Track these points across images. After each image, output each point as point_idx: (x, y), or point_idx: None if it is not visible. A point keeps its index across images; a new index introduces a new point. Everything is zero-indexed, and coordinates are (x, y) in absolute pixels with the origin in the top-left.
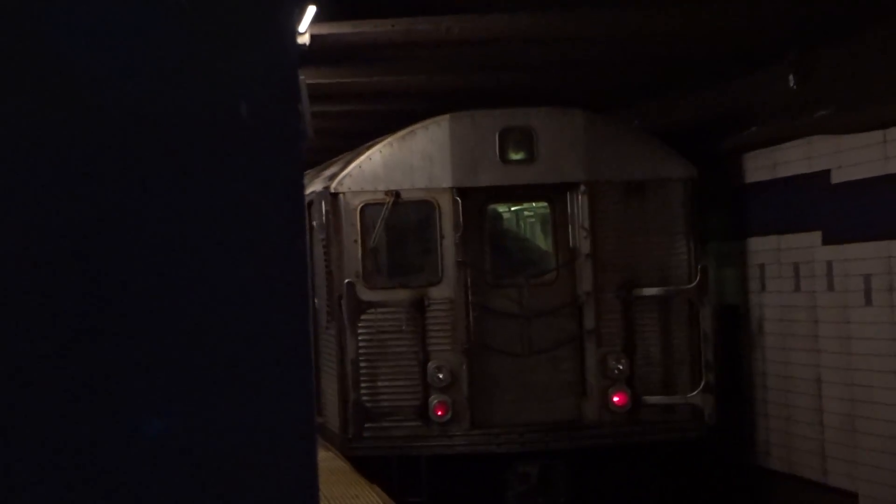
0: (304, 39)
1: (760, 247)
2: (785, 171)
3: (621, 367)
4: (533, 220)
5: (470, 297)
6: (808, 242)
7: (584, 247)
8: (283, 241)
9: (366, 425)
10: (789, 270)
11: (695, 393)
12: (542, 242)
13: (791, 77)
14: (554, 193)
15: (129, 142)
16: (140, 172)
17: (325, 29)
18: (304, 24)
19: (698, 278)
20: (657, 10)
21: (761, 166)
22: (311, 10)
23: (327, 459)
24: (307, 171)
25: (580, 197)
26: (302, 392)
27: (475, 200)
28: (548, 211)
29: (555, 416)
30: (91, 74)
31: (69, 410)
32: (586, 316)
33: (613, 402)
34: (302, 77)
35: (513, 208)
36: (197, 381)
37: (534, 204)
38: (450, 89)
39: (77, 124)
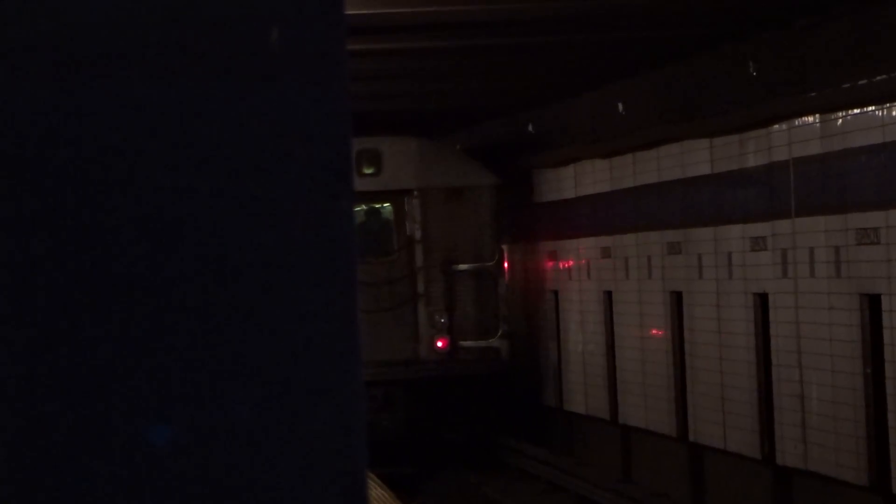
0: None
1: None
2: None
3: (443, 321)
4: (382, 215)
5: None
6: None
7: (417, 234)
8: (325, 202)
9: None
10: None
11: (495, 338)
12: (389, 231)
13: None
14: (396, 197)
15: (134, 71)
16: (151, 111)
17: None
18: None
19: (496, 258)
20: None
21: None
22: None
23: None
24: None
25: (413, 199)
26: (346, 394)
27: None
28: (392, 209)
29: (396, 356)
30: None
31: (82, 411)
32: (419, 283)
33: (438, 346)
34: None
35: (367, 207)
36: (206, 386)
37: (382, 204)
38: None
39: (71, 45)
